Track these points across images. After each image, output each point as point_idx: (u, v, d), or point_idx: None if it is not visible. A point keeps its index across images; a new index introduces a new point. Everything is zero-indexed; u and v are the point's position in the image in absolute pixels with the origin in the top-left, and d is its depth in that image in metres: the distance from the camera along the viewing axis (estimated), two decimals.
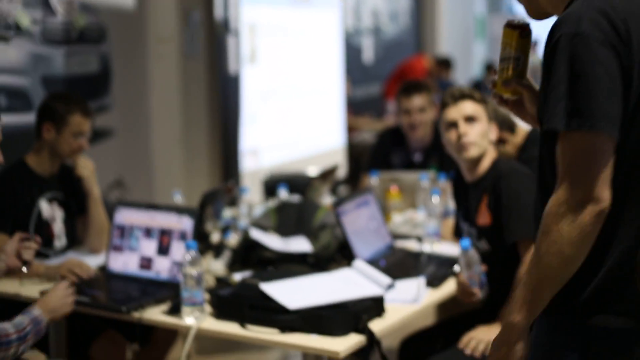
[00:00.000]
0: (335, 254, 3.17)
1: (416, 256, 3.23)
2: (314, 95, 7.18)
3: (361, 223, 3.17)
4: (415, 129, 4.37)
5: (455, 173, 3.22)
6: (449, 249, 3.33)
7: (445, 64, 10.25)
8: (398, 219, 3.86)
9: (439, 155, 4.44)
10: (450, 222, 3.51)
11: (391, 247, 3.30)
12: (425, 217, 3.53)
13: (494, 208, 2.87)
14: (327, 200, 4.12)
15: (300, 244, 3.13)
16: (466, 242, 2.66)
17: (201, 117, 5.81)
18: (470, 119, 2.97)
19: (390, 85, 9.56)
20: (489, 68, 12.20)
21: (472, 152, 2.95)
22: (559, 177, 1.62)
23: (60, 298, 2.52)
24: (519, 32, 1.88)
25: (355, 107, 9.17)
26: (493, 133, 3.04)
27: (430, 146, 4.46)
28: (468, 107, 2.98)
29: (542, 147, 1.76)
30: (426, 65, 9.82)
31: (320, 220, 3.30)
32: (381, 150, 4.60)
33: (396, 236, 3.49)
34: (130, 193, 5.06)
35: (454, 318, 3.15)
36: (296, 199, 3.81)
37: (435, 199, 3.46)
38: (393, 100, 9.57)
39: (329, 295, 2.47)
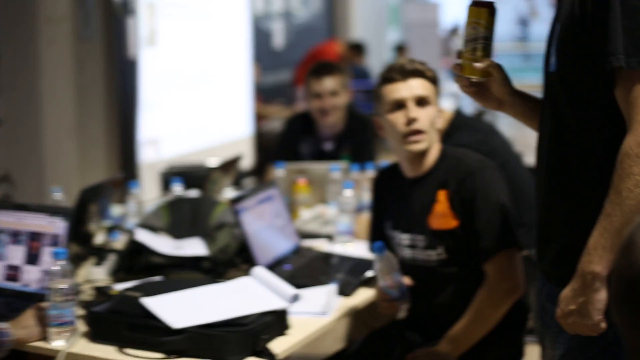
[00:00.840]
0: (234, 258, 2.79)
1: (326, 258, 2.88)
2: (219, 82, 6.76)
3: (264, 222, 2.79)
4: (327, 114, 4.01)
5: (389, 167, 2.78)
6: (364, 249, 2.99)
7: (357, 49, 9.95)
8: (306, 215, 3.49)
9: (351, 144, 4.10)
10: (365, 218, 3.16)
11: (298, 248, 2.94)
12: (337, 213, 3.18)
13: (462, 210, 2.44)
14: (228, 194, 3.73)
15: (194, 247, 2.74)
16: (380, 245, 2.31)
17: (97, 105, 5.36)
18: (421, 101, 2.50)
19: (301, 71, 9.21)
20: (399, 49, 12.01)
21: (423, 144, 2.49)
22: (632, 117, 1.60)
23: None
24: (488, 10, 1.81)
25: (265, 94, 8.80)
26: (440, 120, 2.62)
27: (343, 134, 4.11)
28: (421, 86, 2.50)
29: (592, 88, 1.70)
30: (338, 51, 9.49)
31: (218, 219, 2.92)
32: (288, 139, 4.22)
33: (304, 235, 3.13)
34: (19, 189, 4.56)
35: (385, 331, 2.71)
36: (193, 194, 3.42)
37: (348, 193, 3.11)
38: (304, 87, 9.24)
39: (222, 311, 2.09)
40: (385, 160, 3.80)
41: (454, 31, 13.84)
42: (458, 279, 2.48)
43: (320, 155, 4.12)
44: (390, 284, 2.35)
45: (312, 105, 4.04)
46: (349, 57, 9.55)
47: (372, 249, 2.30)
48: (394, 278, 2.34)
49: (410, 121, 2.47)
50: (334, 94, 4.00)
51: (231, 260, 2.77)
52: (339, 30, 11.75)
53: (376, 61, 12.29)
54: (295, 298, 2.26)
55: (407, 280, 2.42)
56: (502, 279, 2.38)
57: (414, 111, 2.47)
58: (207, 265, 2.68)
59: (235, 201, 2.68)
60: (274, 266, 2.68)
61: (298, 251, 2.92)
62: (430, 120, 2.50)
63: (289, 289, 2.28)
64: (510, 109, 1.93)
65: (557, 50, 1.75)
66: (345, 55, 9.53)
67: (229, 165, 3.75)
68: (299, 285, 2.48)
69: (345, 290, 2.54)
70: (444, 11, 15.65)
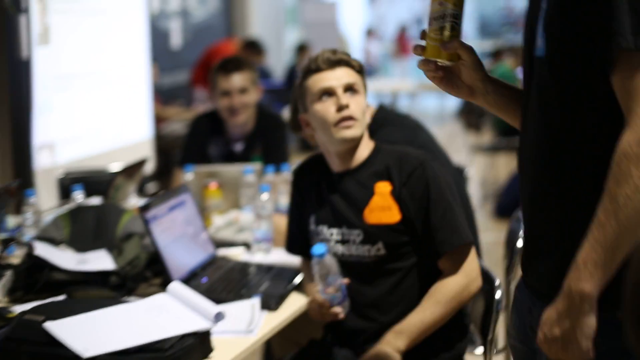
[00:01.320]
0: (145, 271, 2.55)
1: (245, 269, 2.66)
2: (117, 82, 6.42)
3: (176, 231, 2.56)
4: (236, 113, 3.79)
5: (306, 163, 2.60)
6: (284, 256, 2.79)
7: (255, 48, 9.72)
8: (219, 222, 3.27)
9: (263, 144, 3.90)
10: (279, 222, 2.96)
11: (214, 258, 2.72)
12: (253, 218, 2.96)
13: (412, 203, 2.28)
14: (133, 201, 3.47)
15: (100, 261, 2.49)
16: (321, 248, 2.12)
17: None
18: (350, 89, 2.37)
19: (198, 71, 8.99)
20: (301, 49, 11.87)
21: (356, 129, 2.34)
22: (631, 110, 1.38)
23: None
24: None
25: (163, 96, 8.51)
26: (369, 113, 2.47)
27: (253, 134, 3.90)
28: (348, 74, 2.38)
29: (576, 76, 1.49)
30: (235, 50, 9.25)
31: (125, 228, 2.68)
32: (196, 140, 3.98)
33: (218, 244, 2.91)
34: None
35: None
36: (96, 202, 3.15)
37: (265, 197, 2.91)
38: (202, 87, 9.03)
39: (138, 335, 1.86)
40: (297, 160, 3.61)
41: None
42: (397, 276, 2.33)
43: (230, 157, 3.91)
44: (332, 289, 2.16)
45: (221, 103, 3.82)
46: (246, 57, 9.30)
47: (312, 252, 2.11)
48: (335, 282, 2.15)
49: (341, 108, 2.33)
50: (243, 92, 3.79)
51: (141, 273, 2.53)
52: (237, 29, 11.57)
53: (276, 61, 12.14)
54: (219, 317, 2.04)
55: (345, 280, 2.24)
56: (461, 273, 2.25)
57: (344, 98, 2.34)
58: (115, 280, 2.43)
59: (144, 209, 2.44)
60: (190, 280, 2.47)
61: (214, 262, 2.69)
62: (361, 109, 2.37)
63: (212, 307, 2.06)
64: (482, 98, 1.72)
65: (545, 31, 1.53)
66: (242, 54, 9.29)
67: (134, 170, 3.49)
68: (218, 300, 2.28)
69: (269, 304, 2.34)
70: (342, 10, 15.67)
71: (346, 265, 2.32)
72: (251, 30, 11.68)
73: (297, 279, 2.55)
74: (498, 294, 2.30)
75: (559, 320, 1.43)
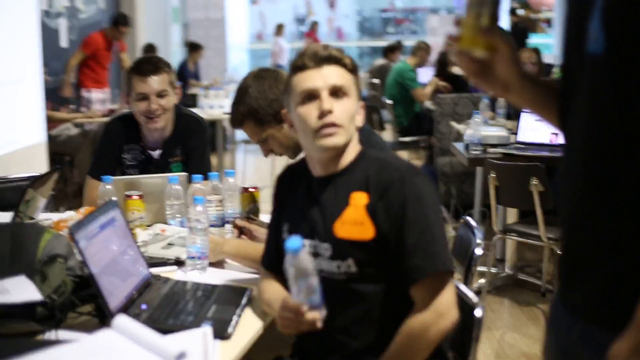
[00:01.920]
0: (72, 298, 2.24)
1: (186, 291, 2.39)
2: (6, 84, 5.98)
3: (109, 252, 2.26)
4: (154, 119, 3.50)
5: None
6: (222, 274, 2.53)
7: (122, 21, 9.16)
8: (143, 237, 2.96)
9: (183, 150, 3.62)
10: (214, 237, 2.71)
11: (149, 279, 2.43)
12: (186, 233, 2.69)
13: (386, 220, 2.03)
14: (42, 216, 3.13)
15: (22, 290, 2.15)
16: (297, 242, 1.82)
17: None
18: (337, 92, 2.12)
19: (84, 72, 8.57)
20: (192, 46, 11.59)
21: (338, 138, 2.09)
22: None
23: None
24: None
25: (54, 98, 8.07)
26: (361, 115, 2.23)
27: (172, 139, 3.61)
28: (336, 74, 2.12)
29: None
30: (101, 36, 8.75)
31: (47, 250, 2.34)
32: (110, 146, 3.65)
33: (148, 262, 2.61)
34: None
35: None
36: (5, 219, 2.80)
37: (199, 209, 2.63)
38: (89, 88, 8.61)
39: None
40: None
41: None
42: (371, 300, 2.09)
43: (148, 164, 3.61)
44: (308, 291, 1.88)
45: (137, 108, 3.51)
46: (113, 34, 8.79)
47: (286, 247, 1.82)
48: (311, 281, 1.87)
49: (323, 114, 2.08)
50: (161, 95, 3.50)
51: (69, 302, 2.22)
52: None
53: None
54: (180, 357, 1.76)
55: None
56: (432, 309, 2.00)
57: (328, 102, 2.09)
58: (42, 312, 2.12)
59: (74, 229, 2.14)
60: (128, 307, 2.18)
61: (149, 284, 2.41)
62: (348, 114, 2.12)
63: (171, 346, 1.78)
64: (518, 95, 1.59)
65: (604, 27, 1.34)
66: (111, 33, 8.79)
67: (45, 180, 3.14)
68: (163, 330, 2.00)
69: (222, 332, 2.08)
70: (227, 9, 15.41)
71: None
72: (138, 28, 11.32)
73: (245, 299, 2.30)
74: (478, 313, 2.11)
75: (631, 356, 1.24)
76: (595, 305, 1.37)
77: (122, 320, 1.88)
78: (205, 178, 3.20)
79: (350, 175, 2.13)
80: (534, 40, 20.26)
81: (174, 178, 3.08)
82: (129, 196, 3.04)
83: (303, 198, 2.21)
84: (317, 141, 2.09)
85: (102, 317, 2.20)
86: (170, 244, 2.88)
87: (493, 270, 5.17)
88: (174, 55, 13.13)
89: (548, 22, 23.28)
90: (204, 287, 2.42)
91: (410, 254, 2.01)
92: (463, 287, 2.24)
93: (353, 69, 2.16)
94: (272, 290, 2.25)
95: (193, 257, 2.65)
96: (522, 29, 14.00)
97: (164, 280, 2.47)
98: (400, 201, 2.02)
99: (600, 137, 1.37)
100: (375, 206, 2.04)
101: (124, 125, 3.63)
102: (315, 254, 2.12)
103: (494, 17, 1.52)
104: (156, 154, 3.62)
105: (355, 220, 2.05)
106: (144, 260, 2.47)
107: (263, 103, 2.77)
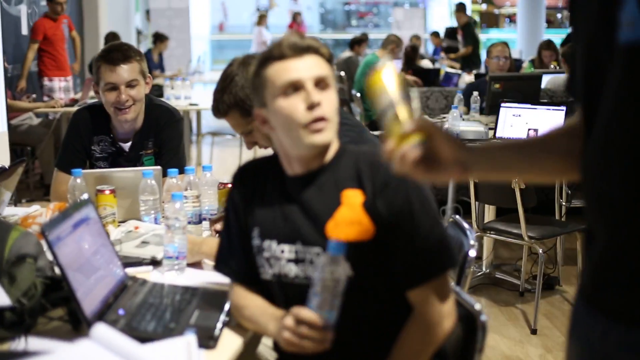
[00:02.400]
0: (43, 302, 2.07)
1: (165, 294, 2.23)
2: None
3: (83, 253, 2.10)
4: (124, 110, 3.32)
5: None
6: (202, 275, 2.38)
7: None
8: (116, 235, 2.79)
9: (156, 143, 3.44)
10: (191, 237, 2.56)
11: (125, 281, 2.27)
12: (164, 231, 2.52)
13: (387, 218, 1.87)
14: (11, 210, 2.95)
15: None
16: (340, 245, 1.70)
17: None
18: (321, 83, 1.94)
19: (42, 60, 8.33)
20: (157, 37, 11.41)
21: (328, 133, 1.93)
22: None
23: None
24: (387, 70, 1.59)
25: (14, 87, 7.82)
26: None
27: (143, 130, 3.44)
28: (318, 64, 1.95)
29: None
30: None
31: (14, 249, 2.17)
32: (77, 138, 3.46)
33: (122, 262, 2.45)
34: None
35: None
36: None
37: (178, 206, 2.48)
38: (50, 77, 8.35)
39: None
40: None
41: None
42: (365, 305, 1.95)
43: (118, 157, 3.43)
44: (332, 303, 1.72)
45: (106, 98, 3.33)
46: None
47: (329, 247, 1.70)
48: (338, 294, 1.71)
49: (312, 106, 1.90)
50: (131, 85, 3.32)
51: (40, 305, 2.05)
52: (88, 15, 10.97)
53: None
54: None
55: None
56: (440, 307, 1.90)
57: (316, 94, 1.92)
58: (10, 317, 1.95)
59: (46, 228, 1.97)
60: (104, 313, 2.02)
61: (125, 286, 2.25)
62: (334, 108, 1.95)
63: (154, 357, 1.62)
64: (479, 167, 1.53)
65: None
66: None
67: (10, 173, 2.95)
68: (143, 338, 1.85)
69: (207, 340, 1.93)
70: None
71: (300, 290, 1.93)
72: (101, 17, 11.12)
73: (228, 304, 2.15)
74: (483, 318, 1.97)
75: None
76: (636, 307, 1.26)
77: (100, 330, 1.72)
78: (181, 172, 3.04)
79: (335, 172, 1.96)
80: (496, 35, 20.26)
81: (148, 172, 2.91)
82: (101, 191, 2.87)
83: (276, 199, 2.02)
84: (306, 138, 1.91)
85: (75, 323, 2.04)
86: (144, 242, 2.71)
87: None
88: (136, 45, 12.91)
89: (510, 17, 23.27)
90: (184, 290, 2.26)
91: (422, 250, 1.89)
92: (464, 295, 2.10)
93: (330, 59, 2.00)
94: (255, 304, 2.05)
95: (170, 257, 2.49)
96: (471, 28, 13.90)
97: (141, 282, 2.31)
98: (404, 195, 1.88)
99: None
100: (374, 203, 1.89)
101: (93, 116, 3.45)
102: (300, 260, 1.96)
103: (410, 111, 1.52)
104: (127, 146, 3.44)
105: (351, 220, 1.87)
106: (119, 261, 2.31)
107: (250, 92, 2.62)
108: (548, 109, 5.04)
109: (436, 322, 1.89)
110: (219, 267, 2.16)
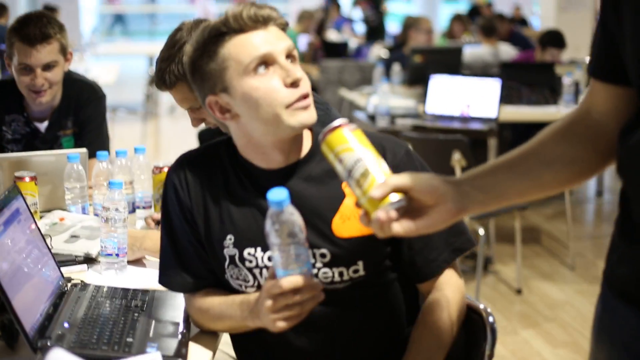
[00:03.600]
0: None
1: (112, 300, 1.91)
2: None
3: (18, 256, 1.76)
4: (41, 93, 2.93)
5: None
6: (151, 272, 2.08)
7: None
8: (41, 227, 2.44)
9: (75, 122, 3.08)
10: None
11: (62, 286, 1.94)
12: (101, 224, 2.19)
13: None
14: None
15: None
16: (281, 193, 1.42)
17: None
18: (291, 57, 1.65)
19: None
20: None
21: (313, 112, 1.65)
22: None
23: None
24: (340, 129, 1.41)
25: None
26: None
27: (61, 109, 3.07)
28: (283, 36, 1.65)
29: None
30: None
31: None
32: None
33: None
34: None
35: None
36: None
37: (117, 196, 2.16)
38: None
39: None
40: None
41: None
42: (374, 307, 1.73)
43: (33, 139, 3.06)
44: (300, 253, 1.45)
45: (19, 79, 2.93)
46: None
47: (269, 200, 1.42)
48: (303, 241, 1.45)
49: (295, 83, 1.61)
50: (49, 67, 2.92)
51: None
52: None
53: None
54: None
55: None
56: (460, 283, 1.74)
57: (293, 69, 1.62)
58: None
59: None
60: (46, 327, 1.70)
61: (64, 292, 1.92)
62: (309, 83, 1.67)
63: None
64: (473, 201, 1.35)
65: None
66: None
67: None
68: (99, 358, 1.55)
69: (175, 356, 1.64)
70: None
71: None
72: None
73: (184, 314, 1.86)
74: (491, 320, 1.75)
75: None
76: None
77: (56, 356, 1.40)
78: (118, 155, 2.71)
79: (322, 159, 1.60)
80: (397, 7, 20.18)
81: (74, 156, 2.56)
82: (20, 178, 2.49)
83: (248, 199, 1.72)
84: (291, 119, 1.61)
85: (9, 340, 1.72)
86: (74, 237, 2.38)
87: None
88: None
89: None
90: (132, 294, 1.95)
91: (431, 242, 1.69)
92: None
93: (285, 29, 1.71)
94: (219, 301, 1.76)
95: (109, 254, 2.18)
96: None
97: (80, 286, 1.98)
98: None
99: None
100: None
101: (4, 93, 3.05)
102: None
103: (372, 170, 1.36)
104: (43, 126, 3.06)
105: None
106: (55, 263, 1.98)
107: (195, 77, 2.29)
108: (482, 80, 4.86)
109: (458, 299, 1.72)
110: (166, 281, 1.84)
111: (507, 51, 7.27)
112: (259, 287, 1.70)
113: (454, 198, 1.33)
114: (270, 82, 1.60)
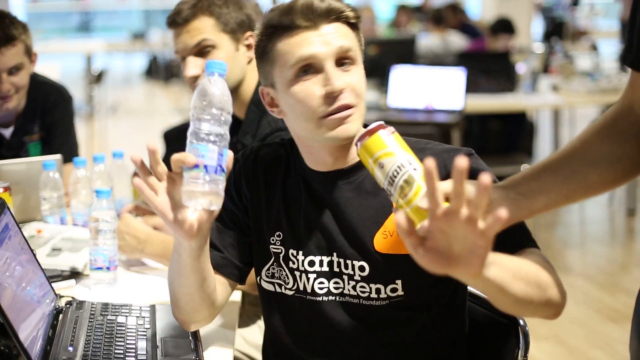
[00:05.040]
0: None
1: (112, 317, 1.78)
2: None
3: (14, 277, 1.63)
4: (7, 99, 2.76)
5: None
6: (143, 284, 1.96)
7: None
8: None
9: (42, 126, 2.93)
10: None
11: (56, 305, 1.81)
12: (91, 236, 2.06)
13: None
14: None
15: None
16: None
17: None
18: (346, 60, 1.52)
19: None
20: None
21: (354, 124, 1.53)
22: None
23: None
24: (380, 133, 1.30)
25: None
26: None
27: (27, 113, 2.90)
28: (342, 35, 1.52)
29: None
30: None
31: None
32: None
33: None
34: None
35: None
36: None
37: (105, 204, 2.03)
38: None
39: None
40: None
41: None
42: (402, 330, 1.60)
43: None
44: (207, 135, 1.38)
45: None
46: None
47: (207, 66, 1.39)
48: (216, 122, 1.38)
49: (333, 94, 1.50)
50: (16, 70, 2.75)
51: None
52: None
53: None
54: None
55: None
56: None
57: (338, 76, 1.50)
58: None
59: None
60: (49, 351, 1.58)
61: (60, 311, 1.79)
62: (361, 88, 1.55)
63: None
64: (522, 208, 1.30)
65: None
66: None
67: None
68: None
69: None
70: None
71: (330, 307, 1.59)
72: None
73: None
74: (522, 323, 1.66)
75: None
76: None
77: None
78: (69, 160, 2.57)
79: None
80: None
81: (50, 163, 2.42)
82: None
83: (300, 199, 1.64)
84: (325, 132, 1.52)
85: None
86: (55, 250, 2.24)
87: None
88: None
89: None
90: (132, 310, 1.82)
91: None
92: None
93: (357, 24, 1.59)
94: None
95: (99, 268, 2.05)
96: None
97: (76, 304, 1.85)
98: None
99: None
100: None
101: None
102: (336, 275, 1.60)
103: (419, 181, 1.24)
104: (8, 132, 2.90)
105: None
106: (47, 280, 1.84)
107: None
108: (446, 69, 4.80)
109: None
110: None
111: (456, 41, 7.25)
112: (297, 290, 1.62)
113: (502, 205, 1.25)
114: (309, 88, 1.51)
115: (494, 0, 10.71)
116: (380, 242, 1.55)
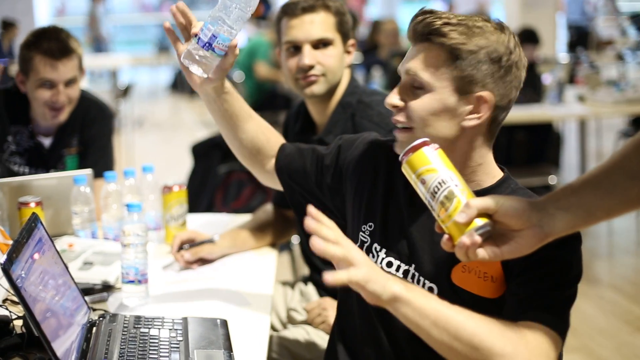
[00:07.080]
0: None
1: (146, 330, 1.80)
2: None
3: (48, 291, 1.65)
4: (60, 110, 2.84)
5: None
6: (176, 295, 1.97)
7: None
8: None
9: (81, 140, 2.97)
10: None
11: (89, 318, 1.83)
12: (123, 251, 2.08)
13: (516, 273, 1.46)
14: None
15: None
16: None
17: None
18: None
19: None
20: (6, 26, 10.58)
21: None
22: None
23: None
24: (427, 148, 1.36)
25: None
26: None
27: (67, 126, 2.94)
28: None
29: None
30: None
31: None
32: None
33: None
34: None
35: None
36: None
37: (136, 218, 2.04)
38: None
39: None
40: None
41: None
42: None
43: (36, 154, 2.93)
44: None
45: (38, 95, 2.82)
46: None
47: None
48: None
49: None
50: (71, 83, 2.83)
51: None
52: None
53: None
54: None
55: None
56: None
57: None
58: None
59: (8, 264, 1.51)
60: None
61: (93, 324, 1.81)
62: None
63: None
64: (560, 224, 1.30)
65: None
66: None
67: None
68: None
69: None
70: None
71: (387, 319, 1.59)
72: None
73: (222, 331, 1.78)
74: None
75: None
76: None
77: None
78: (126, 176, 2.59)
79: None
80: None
81: (80, 178, 2.44)
82: (25, 204, 2.36)
83: (401, 200, 1.67)
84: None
85: None
86: (87, 263, 2.26)
87: None
88: None
89: None
90: (165, 323, 1.84)
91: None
92: None
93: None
94: None
95: (132, 282, 2.07)
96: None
97: (109, 317, 1.87)
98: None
99: None
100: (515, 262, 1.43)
101: (10, 102, 2.92)
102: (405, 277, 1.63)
103: (464, 190, 1.33)
104: (47, 141, 2.95)
105: (485, 273, 1.51)
106: (80, 293, 1.86)
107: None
108: None
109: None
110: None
111: None
112: None
113: (540, 221, 1.27)
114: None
115: (518, 10, 10.67)
116: (458, 273, 1.55)
